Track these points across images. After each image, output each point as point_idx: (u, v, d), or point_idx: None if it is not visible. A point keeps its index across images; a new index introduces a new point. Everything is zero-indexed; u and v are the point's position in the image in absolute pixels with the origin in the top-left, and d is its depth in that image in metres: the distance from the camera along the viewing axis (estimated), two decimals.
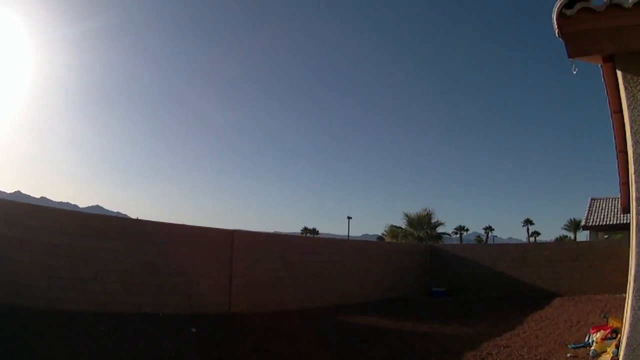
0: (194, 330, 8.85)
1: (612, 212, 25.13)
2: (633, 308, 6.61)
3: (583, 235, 72.99)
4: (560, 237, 78.01)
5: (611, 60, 5.36)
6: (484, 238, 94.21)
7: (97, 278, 9.27)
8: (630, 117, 4.92)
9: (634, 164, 4.77)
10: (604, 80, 9.99)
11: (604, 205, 26.24)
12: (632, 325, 6.68)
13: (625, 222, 23.63)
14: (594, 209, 25.98)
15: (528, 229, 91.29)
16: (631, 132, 4.82)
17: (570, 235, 75.50)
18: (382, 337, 9.38)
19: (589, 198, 27.16)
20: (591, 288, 16.08)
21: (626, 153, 10.91)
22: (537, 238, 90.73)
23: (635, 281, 6.69)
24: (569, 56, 4.70)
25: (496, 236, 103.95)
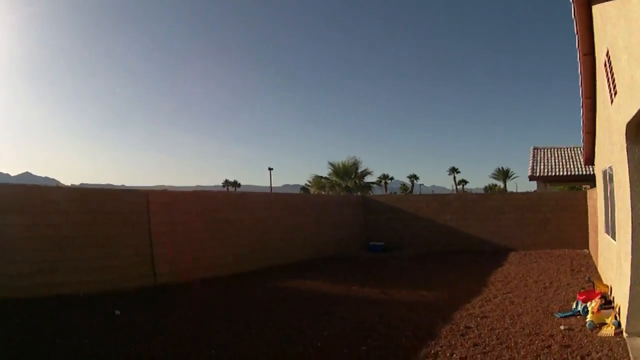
0: (117, 312, 7.58)
1: (559, 163, 25.06)
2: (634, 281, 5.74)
3: (512, 184, 76.05)
4: (489, 185, 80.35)
5: None
6: (410, 187, 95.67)
7: (5, 260, 8.11)
8: None
9: None
10: (575, 19, 8.99)
11: (549, 155, 26.14)
12: (634, 296, 5.81)
13: (571, 173, 23.75)
14: (538, 158, 25.77)
15: (455, 177, 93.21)
16: None
17: (500, 184, 77.94)
18: (333, 309, 8.10)
19: (532, 147, 26.91)
20: (547, 242, 15.78)
21: (593, 100, 10.04)
22: (464, 186, 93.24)
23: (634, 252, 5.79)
24: None
25: (422, 184, 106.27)
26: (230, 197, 13.06)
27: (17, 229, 8.32)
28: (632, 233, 5.78)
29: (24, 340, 5.95)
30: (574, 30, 9.24)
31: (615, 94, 6.59)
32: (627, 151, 5.82)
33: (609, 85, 7.13)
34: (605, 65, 7.37)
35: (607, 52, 6.97)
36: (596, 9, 7.99)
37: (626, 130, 5.75)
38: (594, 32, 8.59)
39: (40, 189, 9.56)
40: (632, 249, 5.79)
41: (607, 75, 7.27)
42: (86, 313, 7.54)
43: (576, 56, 9.76)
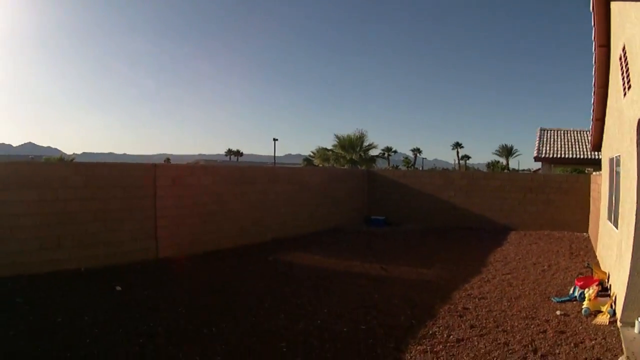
0: (119, 289, 7.57)
1: (565, 145, 24.96)
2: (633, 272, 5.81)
3: (514, 162, 76.30)
4: (491, 162, 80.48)
5: None
6: (412, 160, 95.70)
7: (11, 237, 8.21)
8: None
9: None
10: (593, 12, 8.93)
11: (555, 137, 26.03)
12: (631, 287, 5.87)
13: (577, 156, 23.68)
14: (544, 140, 25.64)
15: (458, 152, 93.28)
16: None
17: (502, 160, 77.98)
18: (333, 285, 8.23)
19: (539, 128, 26.77)
20: (548, 224, 15.83)
21: (605, 89, 10.09)
22: (467, 162, 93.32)
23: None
24: None
25: (425, 158, 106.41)
26: (237, 171, 12.97)
27: (23, 206, 8.32)
28: (635, 225, 5.84)
29: (25, 321, 5.88)
30: (591, 20, 9.20)
31: (629, 87, 6.63)
32: (637, 145, 5.94)
33: (623, 78, 7.16)
34: (620, 59, 7.38)
35: (624, 47, 6.97)
36: (615, 5, 7.95)
37: (638, 125, 5.84)
38: (611, 26, 8.56)
39: (46, 165, 9.44)
40: (634, 242, 5.85)
41: (622, 69, 7.30)
42: (88, 290, 7.49)
43: (591, 45, 9.79)
